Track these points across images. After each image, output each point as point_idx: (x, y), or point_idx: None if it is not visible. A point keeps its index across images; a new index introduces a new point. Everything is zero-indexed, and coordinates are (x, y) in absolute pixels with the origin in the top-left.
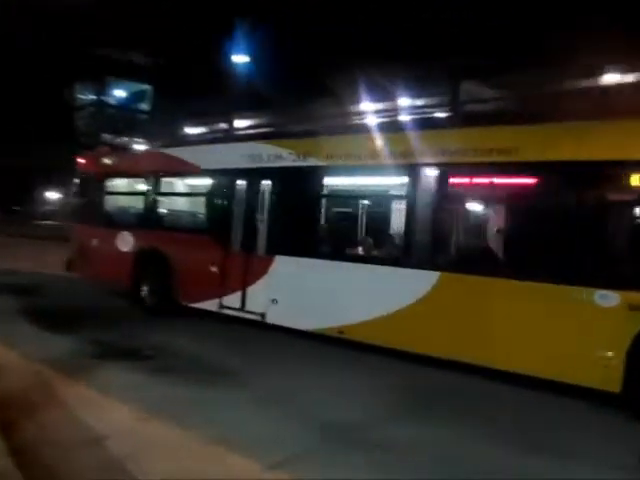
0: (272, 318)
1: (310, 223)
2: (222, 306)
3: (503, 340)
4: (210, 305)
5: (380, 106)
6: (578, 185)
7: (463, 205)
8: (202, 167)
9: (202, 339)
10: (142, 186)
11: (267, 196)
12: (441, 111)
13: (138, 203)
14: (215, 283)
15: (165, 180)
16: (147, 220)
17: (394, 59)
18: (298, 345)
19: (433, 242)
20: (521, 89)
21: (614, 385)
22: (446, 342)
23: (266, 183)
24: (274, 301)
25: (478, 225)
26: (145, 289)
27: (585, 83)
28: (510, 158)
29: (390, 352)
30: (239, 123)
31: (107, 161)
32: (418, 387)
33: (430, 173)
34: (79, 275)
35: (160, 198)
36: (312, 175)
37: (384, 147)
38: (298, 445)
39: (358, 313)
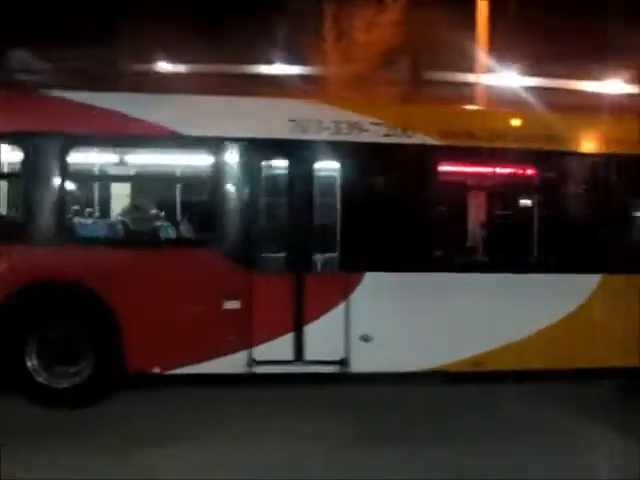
0: (360, 364)
1: (420, 225)
2: (254, 362)
3: None
4: (225, 366)
5: None
6: None
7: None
8: (182, 132)
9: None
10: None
11: (338, 184)
12: None
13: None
14: (234, 328)
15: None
16: (45, 227)
17: None
18: None
19: (594, 241)
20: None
21: None
22: (611, 350)
23: (335, 164)
24: (365, 338)
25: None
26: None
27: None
28: None
29: None
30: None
31: None
32: None
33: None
34: None
35: (81, 183)
36: (420, 157)
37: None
38: None
39: (501, 335)
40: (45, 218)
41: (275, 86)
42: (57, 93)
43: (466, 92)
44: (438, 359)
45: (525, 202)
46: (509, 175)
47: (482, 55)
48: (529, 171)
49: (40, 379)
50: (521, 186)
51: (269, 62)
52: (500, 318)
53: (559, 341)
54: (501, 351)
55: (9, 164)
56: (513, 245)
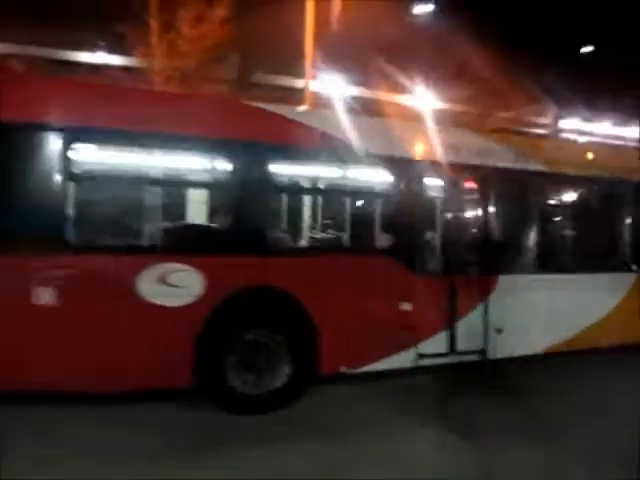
0: (494, 352)
1: (547, 235)
2: (420, 356)
3: None
4: (398, 361)
5: None
6: None
7: None
8: (368, 150)
9: None
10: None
11: (482, 204)
12: None
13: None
14: (407, 327)
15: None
16: (235, 237)
17: None
18: None
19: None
20: None
21: None
22: None
23: (493, 185)
24: (499, 331)
25: None
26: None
27: None
28: None
29: None
30: None
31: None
32: None
33: None
34: None
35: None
36: (534, 181)
37: None
38: None
39: (582, 321)
40: (257, 230)
41: (95, 74)
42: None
43: (293, 96)
44: (546, 343)
45: (597, 218)
46: (591, 196)
47: (310, 61)
48: (601, 194)
49: (237, 384)
50: (598, 206)
51: (92, 49)
52: (583, 308)
53: (616, 322)
54: (584, 333)
55: (215, 174)
56: (592, 252)
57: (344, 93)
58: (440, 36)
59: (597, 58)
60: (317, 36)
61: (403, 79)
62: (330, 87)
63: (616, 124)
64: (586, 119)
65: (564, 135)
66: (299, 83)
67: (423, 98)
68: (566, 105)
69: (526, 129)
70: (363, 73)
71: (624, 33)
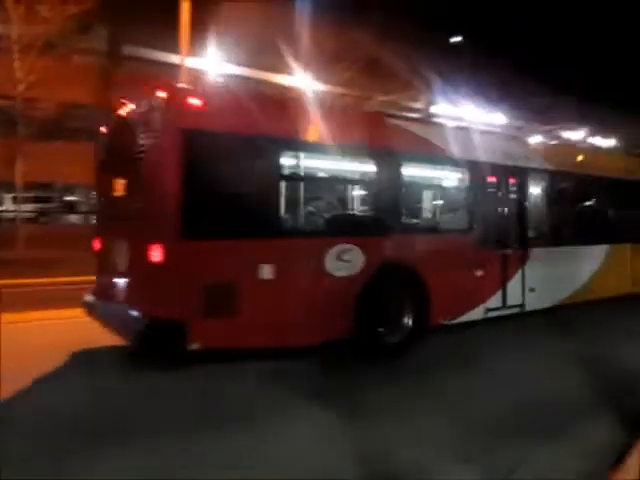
0: (529, 305)
1: (561, 217)
2: (487, 310)
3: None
4: (474, 314)
5: None
6: None
7: None
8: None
9: None
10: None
11: (530, 194)
12: None
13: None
14: (480, 288)
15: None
16: (385, 221)
17: None
18: None
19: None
20: None
21: None
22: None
23: (533, 183)
24: (532, 290)
25: None
26: (395, 322)
27: None
28: None
29: None
30: None
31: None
32: None
33: None
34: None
35: (407, 189)
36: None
37: None
38: None
39: (580, 281)
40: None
41: None
42: None
43: (168, 72)
44: (560, 298)
45: (589, 206)
46: (590, 189)
47: (187, 37)
48: (593, 187)
49: (388, 335)
50: (593, 196)
51: None
52: (579, 271)
53: (599, 281)
54: (581, 289)
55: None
56: (584, 230)
57: (221, 71)
58: (321, 20)
59: (465, 48)
60: (194, 10)
61: (283, 59)
62: (208, 64)
63: (484, 110)
64: (456, 105)
65: (435, 119)
66: (174, 59)
67: (304, 79)
68: (438, 91)
69: (402, 113)
70: (242, 51)
71: (492, 24)
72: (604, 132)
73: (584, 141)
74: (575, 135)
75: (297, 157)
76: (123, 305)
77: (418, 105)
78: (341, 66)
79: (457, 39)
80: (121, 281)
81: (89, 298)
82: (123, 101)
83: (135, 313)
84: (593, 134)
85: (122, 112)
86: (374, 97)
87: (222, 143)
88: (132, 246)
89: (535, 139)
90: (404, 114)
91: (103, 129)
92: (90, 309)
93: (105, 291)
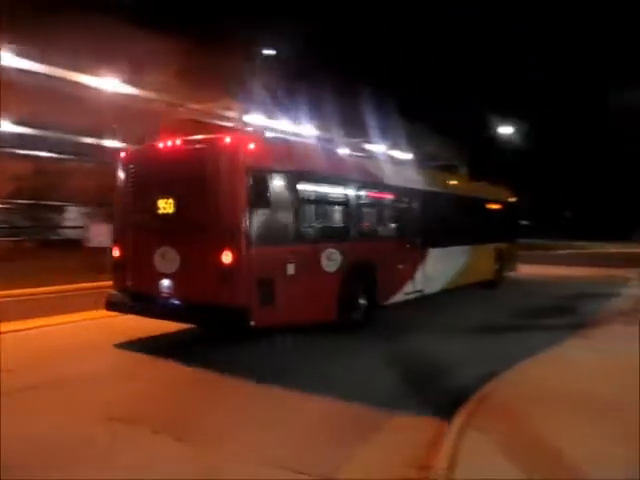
0: (428, 290)
1: (443, 225)
2: (405, 294)
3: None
4: (398, 297)
5: None
6: None
7: None
8: (388, 182)
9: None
10: (349, 193)
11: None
12: None
13: (340, 212)
14: (403, 278)
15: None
16: (353, 231)
17: None
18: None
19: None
20: None
21: None
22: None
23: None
24: (430, 278)
25: None
26: (359, 304)
27: None
28: None
29: None
30: None
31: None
32: None
33: None
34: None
35: (365, 208)
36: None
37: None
38: None
39: (453, 274)
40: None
41: None
42: None
43: None
44: (444, 285)
45: (460, 216)
46: (474, 204)
47: None
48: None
49: (355, 314)
50: (473, 207)
51: None
52: (453, 264)
53: (465, 273)
54: (454, 279)
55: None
56: (456, 235)
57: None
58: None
59: (278, 60)
60: None
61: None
62: None
63: (295, 122)
64: (270, 116)
65: (249, 129)
66: None
67: (109, 81)
68: (252, 101)
69: (215, 121)
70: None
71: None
72: (401, 146)
73: (384, 153)
74: (377, 148)
75: (318, 186)
76: (186, 298)
77: (231, 114)
78: (155, 70)
79: (270, 52)
80: (179, 279)
81: (120, 296)
82: (186, 139)
83: (208, 303)
84: (392, 147)
85: (174, 148)
86: (186, 104)
87: (270, 178)
88: (193, 251)
89: (343, 150)
90: (216, 122)
91: (132, 160)
92: (125, 304)
93: (154, 289)
